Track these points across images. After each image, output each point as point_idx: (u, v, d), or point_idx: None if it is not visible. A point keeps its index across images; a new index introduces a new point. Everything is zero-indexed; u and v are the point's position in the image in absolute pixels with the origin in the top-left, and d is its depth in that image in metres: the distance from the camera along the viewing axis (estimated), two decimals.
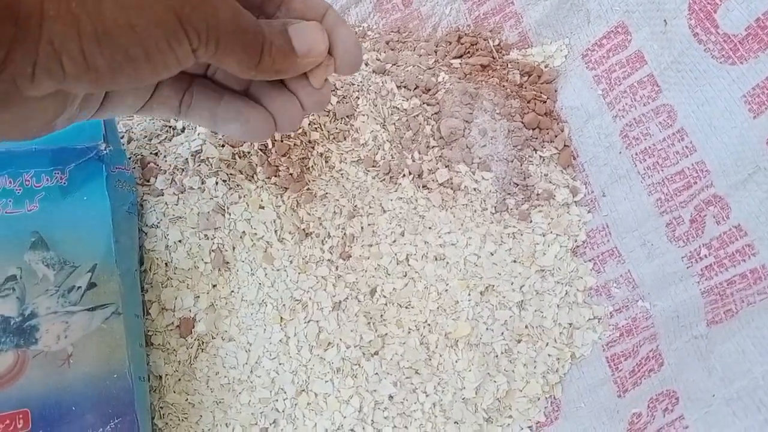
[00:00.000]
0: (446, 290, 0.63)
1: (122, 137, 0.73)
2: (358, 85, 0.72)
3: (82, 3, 0.33)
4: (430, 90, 0.71)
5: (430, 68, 0.73)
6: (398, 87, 0.72)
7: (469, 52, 0.75)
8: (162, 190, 0.67)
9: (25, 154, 0.61)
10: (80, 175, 0.62)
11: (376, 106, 0.71)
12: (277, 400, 0.61)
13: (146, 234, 0.66)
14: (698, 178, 0.61)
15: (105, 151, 0.62)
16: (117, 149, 0.65)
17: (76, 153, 0.61)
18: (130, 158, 0.71)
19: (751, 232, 0.56)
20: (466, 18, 0.78)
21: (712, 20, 0.62)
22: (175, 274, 0.65)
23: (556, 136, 0.70)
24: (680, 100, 0.64)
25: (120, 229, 0.62)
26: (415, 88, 0.71)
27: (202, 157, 0.68)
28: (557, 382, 0.62)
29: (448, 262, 0.64)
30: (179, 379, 0.62)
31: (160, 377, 0.62)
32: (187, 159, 0.68)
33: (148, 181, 0.68)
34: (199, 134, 0.69)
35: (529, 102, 0.71)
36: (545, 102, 0.71)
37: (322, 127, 0.70)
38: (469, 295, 0.62)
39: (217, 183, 0.67)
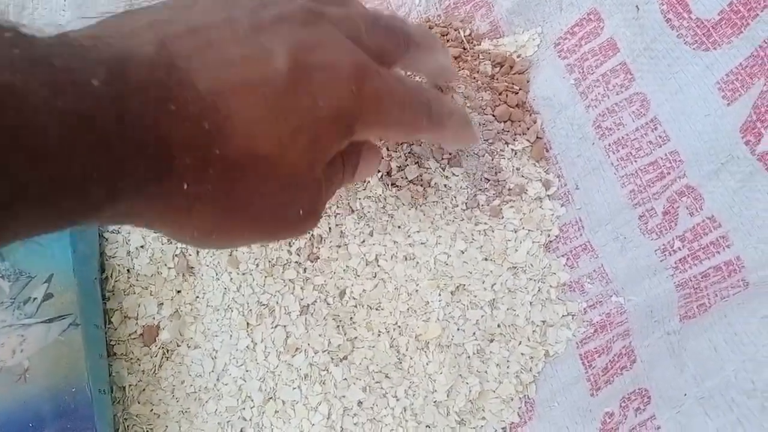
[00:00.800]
0: (416, 291, 0.61)
1: None
2: None
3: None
4: None
5: None
6: None
7: None
8: None
9: None
10: None
11: None
12: (244, 409, 0.59)
13: (107, 240, 0.64)
14: (672, 169, 0.59)
15: None
16: None
17: None
18: None
19: (725, 222, 0.55)
20: (436, 8, 0.76)
21: (684, 5, 0.60)
22: (137, 280, 0.63)
23: (528, 128, 0.68)
24: (653, 88, 0.62)
25: (78, 237, 0.60)
26: None
27: None
28: (531, 381, 0.60)
29: (418, 262, 0.62)
30: (143, 390, 0.61)
31: (124, 388, 0.61)
32: None
33: None
34: None
35: (500, 94, 0.69)
36: (517, 93, 0.69)
37: None
38: (440, 295, 0.60)
39: None
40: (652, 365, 0.53)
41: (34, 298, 0.57)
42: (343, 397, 0.58)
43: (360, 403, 0.58)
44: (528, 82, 0.71)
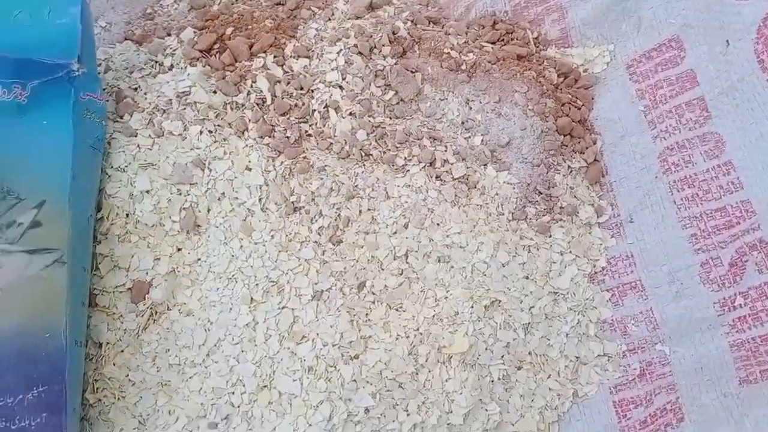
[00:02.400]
0: (446, 298, 0.55)
1: (99, 65, 0.64)
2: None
3: None
4: (453, 71, 0.63)
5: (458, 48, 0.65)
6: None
7: (503, 39, 0.68)
8: (136, 130, 0.58)
9: None
10: (44, 94, 0.52)
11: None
12: (233, 393, 0.52)
13: (109, 176, 0.56)
14: (742, 219, 0.55)
15: (77, 73, 0.53)
16: (91, 73, 0.56)
17: (44, 68, 0.52)
18: (105, 89, 0.61)
19: None
20: (504, 3, 0.70)
21: None
22: (135, 228, 0.55)
23: (587, 148, 0.63)
24: (731, 131, 0.58)
25: (80, 165, 0.52)
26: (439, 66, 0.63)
27: (188, 101, 0.59)
28: (555, 420, 0.54)
29: (452, 266, 0.56)
30: (122, 351, 0.53)
31: (100, 345, 0.53)
32: (170, 100, 0.59)
33: (122, 117, 0.59)
34: (189, 75, 0.60)
35: (563, 105, 0.63)
36: (580, 108, 0.64)
37: (340, 88, 0.61)
38: (472, 307, 0.54)
39: (201, 132, 0.58)
40: (705, 427, 0.48)
41: (20, 223, 0.49)
42: (349, 400, 0.52)
43: (367, 410, 0.52)
44: (592, 99, 0.66)
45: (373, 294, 0.56)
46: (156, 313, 0.54)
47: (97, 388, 0.52)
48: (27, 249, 0.48)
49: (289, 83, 0.61)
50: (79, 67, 0.53)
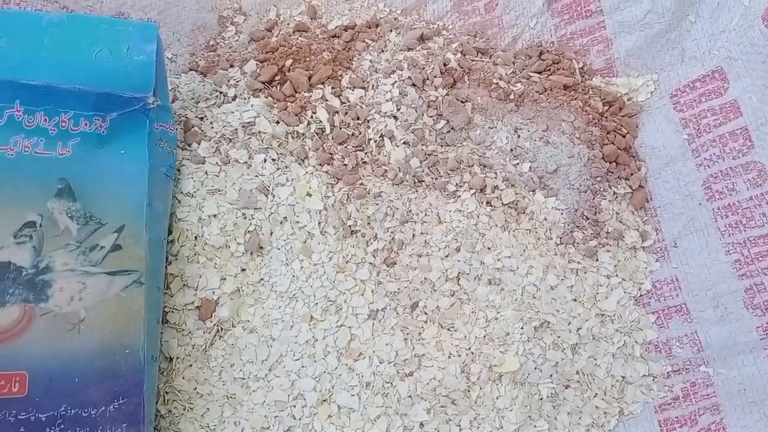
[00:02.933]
0: (497, 318, 0.57)
1: None
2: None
3: None
4: (502, 100, 0.66)
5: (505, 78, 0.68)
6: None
7: (549, 69, 0.70)
8: (204, 157, 0.62)
9: (67, 92, 0.54)
10: (122, 125, 0.56)
11: None
12: (294, 406, 0.55)
13: (179, 201, 0.60)
14: None
15: (152, 105, 0.57)
16: (164, 105, 0.59)
17: (122, 101, 0.55)
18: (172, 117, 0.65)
19: None
20: (550, 34, 0.73)
21: None
22: (203, 249, 0.59)
23: (632, 174, 0.65)
24: None
25: (155, 191, 0.56)
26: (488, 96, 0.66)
27: (253, 130, 0.63)
28: None
29: (503, 289, 0.58)
30: (190, 365, 0.57)
31: (170, 359, 0.57)
32: (236, 129, 0.63)
33: (190, 145, 0.63)
34: (252, 105, 0.64)
35: (608, 133, 0.66)
36: (625, 136, 0.66)
37: (395, 118, 0.64)
38: (522, 328, 0.57)
39: (265, 160, 0.62)
40: None
41: (102, 247, 0.52)
42: (405, 415, 0.55)
43: (422, 425, 0.54)
44: (637, 127, 0.68)
45: (426, 314, 0.58)
46: (222, 329, 0.58)
47: (167, 400, 0.56)
48: (108, 271, 0.52)
49: (346, 113, 0.65)
50: (153, 100, 0.56)
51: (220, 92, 0.67)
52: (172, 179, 0.59)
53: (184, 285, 0.58)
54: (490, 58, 0.72)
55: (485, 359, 0.56)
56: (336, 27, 0.74)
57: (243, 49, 0.73)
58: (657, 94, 0.69)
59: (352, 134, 0.64)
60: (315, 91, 0.65)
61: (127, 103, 0.56)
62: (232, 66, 0.70)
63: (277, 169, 0.62)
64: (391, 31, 0.73)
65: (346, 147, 0.63)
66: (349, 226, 0.61)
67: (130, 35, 0.56)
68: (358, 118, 0.65)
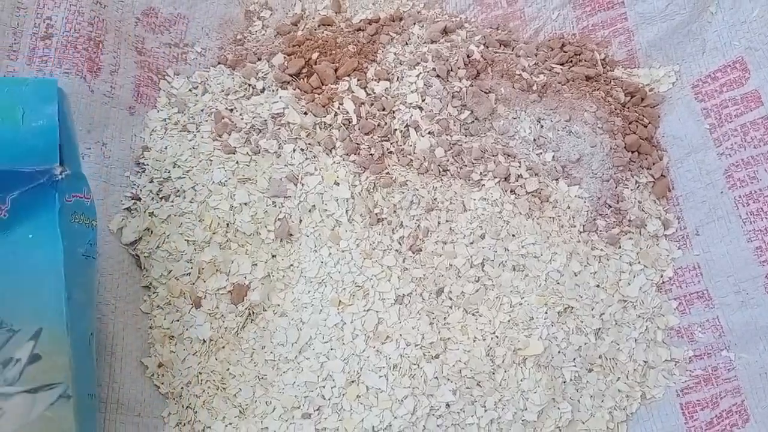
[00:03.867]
0: (521, 304, 0.59)
1: (196, 88, 0.70)
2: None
3: None
4: (525, 91, 0.68)
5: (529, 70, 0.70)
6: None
7: (571, 61, 0.71)
8: (235, 147, 0.63)
9: None
10: (26, 205, 0.46)
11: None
12: (324, 387, 0.57)
13: (211, 191, 0.62)
14: None
15: (60, 176, 0.46)
16: (76, 172, 0.49)
17: (23, 177, 0.45)
18: (203, 109, 0.67)
19: None
20: (572, 26, 0.74)
21: None
22: (235, 237, 0.61)
23: (654, 164, 0.66)
24: None
25: (74, 279, 0.47)
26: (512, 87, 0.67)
27: (282, 121, 0.64)
28: (623, 420, 0.57)
29: (527, 275, 0.59)
30: (223, 347, 0.59)
31: (204, 341, 0.58)
32: (266, 120, 0.65)
33: (220, 136, 0.65)
34: (281, 97, 0.66)
35: (630, 123, 0.67)
36: (647, 126, 0.67)
37: (420, 108, 0.66)
38: (546, 313, 0.58)
39: (294, 150, 0.63)
40: None
41: (17, 360, 0.43)
42: (431, 395, 0.56)
43: (448, 405, 0.56)
44: (659, 117, 0.69)
45: (451, 299, 0.60)
46: (253, 313, 0.60)
47: (201, 380, 0.57)
48: (28, 388, 0.43)
49: (372, 105, 0.66)
50: (61, 170, 0.47)
51: (249, 85, 0.69)
52: (93, 259, 0.51)
53: (216, 270, 0.60)
54: (512, 50, 0.73)
55: (510, 343, 0.58)
56: (360, 21, 0.76)
57: (270, 43, 0.74)
58: (678, 84, 0.69)
59: (378, 125, 0.66)
60: (341, 83, 0.67)
61: (30, 178, 0.46)
62: (259, 59, 0.72)
63: (306, 158, 0.63)
64: (414, 24, 0.74)
65: (372, 137, 0.65)
66: (376, 214, 0.62)
67: (24, 97, 0.46)
68: (383, 109, 0.66)
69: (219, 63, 0.73)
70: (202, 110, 0.68)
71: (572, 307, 0.59)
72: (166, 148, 0.66)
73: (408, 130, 0.65)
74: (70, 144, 0.49)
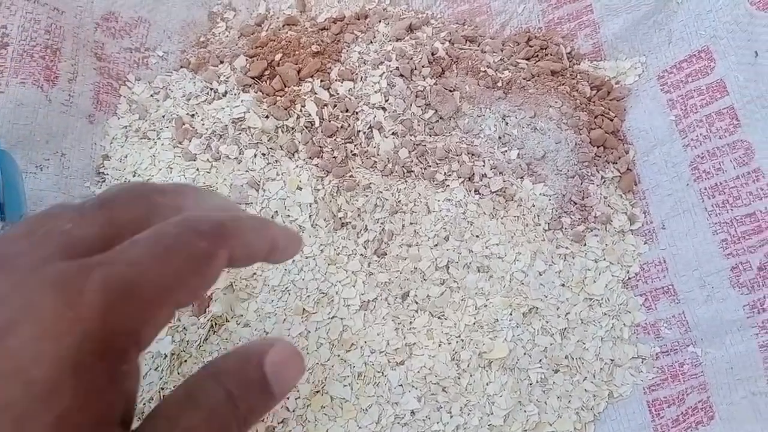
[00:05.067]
0: (486, 306, 0.58)
1: (158, 93, 0.69)
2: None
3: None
4: (490, 88, 0.67)
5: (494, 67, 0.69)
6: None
7: (537, 55, 0.70)
8: (195, 154, 0.63)
9: None
10: None
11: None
12: (288, 398, 0.56)
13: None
14: None
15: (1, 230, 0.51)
16: (18, 220, 0.53)
17: None
18: (164, 115, 0.66)
19: None
20: (538, 20, 0.73)
21: None
22: None
23: (619, 158, 0.65)
24: (760, 139, 0.60)
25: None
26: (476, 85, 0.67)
27: (243, 126, 0.64)
28: (591, 420, 0.57)
29: (492, 276, 0.59)
30: (185, 360, 0.58)
31: (166, 356, 0.58)
32: (226, 125, 0.64)
33: (181, 143, 0.64)
34: (242, 101, 0.65)
35: (596, 117, 0.66)
36: (612, 120, 0.67)
37: (383, 109, 0.65)
38: (511, 314, 0.57)
39: (255, 155, 0.63)
40: (734, 424, 0.50)
41: None
42: (396, 403, 0.56)
43: (413, 412, 0.56)
44: (625, 110, 0.68)
45: (417, 303, 0.59)
46: (216, 324, 0.59)
47: (164, 396, 0.57)
48: None
49: (335, 106, 0.65)
50: (2, 225, 0.51)
51: (211, 89, 0.68)
52: None
53: None
54: (478, 45, 0.72)
55: (475, 346, 0.57)
56: (325, 19, 0.75)
57: (233, 45, 0.73)
58: (645, 76, 0.69)
59: (341, 126, 0.65)
60: (304, 85, 0.66)
61: None
62: (222, 62, 0.71)
63: (268, 163, 0.63)
64: (380, 21, 0.73)
65: (335, 139, 0.64)
66: (340, 218, 0.61)
67: None
68: (347, 111, 0.65)
69: (181, 67, 0.72)
70: (163, 116, 0.67)
71: (537, 308, 0.58)
72: (126, 156, 0.65)
73: (371, 131, 0.64)
74: (13, 193, 0.52)
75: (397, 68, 0.66)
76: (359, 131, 0.65)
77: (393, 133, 0.64)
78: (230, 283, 0.60)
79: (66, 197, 0.63)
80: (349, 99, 0.66)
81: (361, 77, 0.67)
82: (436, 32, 0.73)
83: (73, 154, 0.65)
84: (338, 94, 0.66)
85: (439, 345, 0.57)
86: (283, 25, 0.75)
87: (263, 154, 0.63)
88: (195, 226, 0.29)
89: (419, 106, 0.65)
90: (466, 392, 0.56)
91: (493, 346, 0.57)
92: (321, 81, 0.67)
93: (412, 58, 0.67)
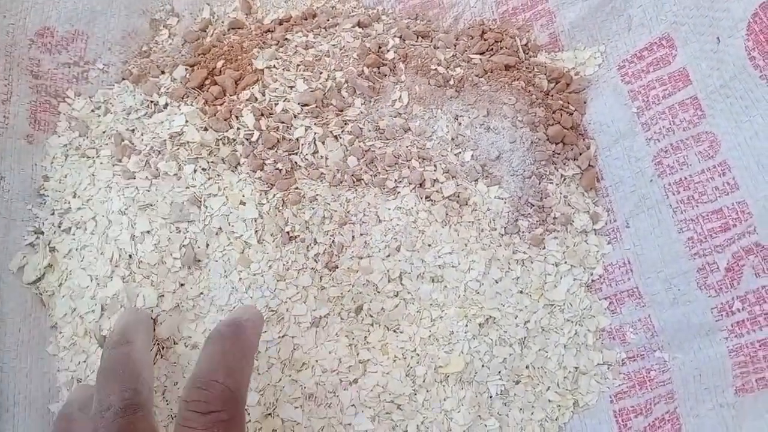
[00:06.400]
0: (441, 317, 0.56)
1: (99, 108, 0.66)
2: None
3: None
4: (441, 87, 0.64)
5: (445, 63, 0.66)
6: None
7: (492, 49, 0.67)
8: (134, 172, 0.60)
9: None
10: None
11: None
12: None
13: (111, 221, 0.58)
14: (738, 221, 0.54)
15: None
16: None
17: None
18: (104, 131, 0.64)
19: None
20: (492, 11, 0.70)
21: None
22: (138, 268, 0.57)
23: (580, 154, 0.62)
24: (726, 130, 0.57)
25: None
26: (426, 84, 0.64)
27: (182, 140, 0.61)
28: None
29: (446, 286, 0.56)
30: None
31: None
32: (165, 140, 0.61)
33: (120, 160, 0.61)
34: (182, 113, 0.62)
35: (554, 112, 0.63)
36: (572, 114, 0.64)
37: (321, 118, 0.62)
38: (467, 326, 0.55)
39: (195, 171, 0.60)
40: None
41: None
42: (349, 425, 0.53)
43: None
44: (585, 103, 0.65)
45: (371, 317, 0.57)
46: (163, 348, 0.56)
47: None
48: None
49: (272, 115, 0.62)
50: None
51: (151, 101, 0.65)
52: None
53: (121, 306, 0.57)
54: (431, 41, 0.69)
55: (431, 360, 0.55)
56: (271, 21, 0.72)
57: (177, 53, 0.70)
58: (605, 66, 0.66)
59: (283, 138, 0.62)
60: (242, 94, 0.63)
61: None
62: (163, 72, 0.68)
63: (209, 178, 0.60)
64: (328, 20, 0.70)
65: (276, 151, 0.61)
66: (287, 232, 0.59)
67: None
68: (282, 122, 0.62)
69: (123, 78, 0.69)
70: (103, 132, 0.64)
71: (494, 317, 0.56)
72: (65, 176, 0.62)
73: (315, 141, 0.61)
74: None
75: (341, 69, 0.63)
76: (301, 141, 0.61)
77: (339, 141, 0.61)
78: (177, 304, 0.57)
79: (7, 221, 0.60)
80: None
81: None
82: (388, 28, 0.70)
83: (13, 177, 0.62)
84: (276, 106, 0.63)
85: (394, 360, 0.55)
86: (229, 29, 0.72)
87: (203, 169, 0.60)
88: None
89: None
90: (423, 409, 0.54)
91: (449, 359, 0.54)
92: (262, 87, 0.64)
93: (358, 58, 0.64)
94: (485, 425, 0.54)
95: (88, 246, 0.59)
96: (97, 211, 0.59)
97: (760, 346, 0.50)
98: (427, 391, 0.54)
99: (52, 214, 0.61)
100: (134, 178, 0.60)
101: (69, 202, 0.61)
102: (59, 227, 0.61)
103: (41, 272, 0.59)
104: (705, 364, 0.52)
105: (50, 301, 0.59)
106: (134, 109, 0.64)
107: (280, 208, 0.59)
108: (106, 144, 0.63)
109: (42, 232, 0.61)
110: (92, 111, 0.66)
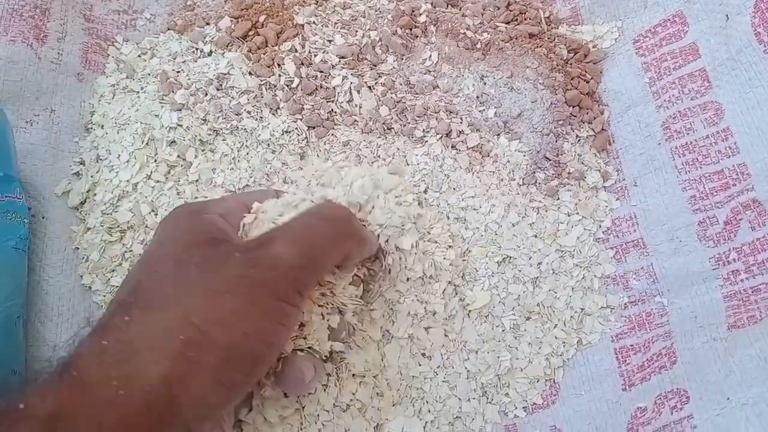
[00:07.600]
0: (466, 254, 0.60)
1: (145, 53, 0.71)
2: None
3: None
4: (469, 50, 0.68)
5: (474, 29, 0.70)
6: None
7: (516, 19, 0.72)
8: (181, 104, 0.64)
9: None
10: None
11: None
12: None
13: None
14: (738, 181, 0.59)
15: None
16: (7, 175, 0.57)
17: None
18: (150, 73, 0.68)
19: None
20: None
21: None
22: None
23: (594, 118, 0.67)
24: (730, 99, 0.62)
25: (3, 267, 0.53)
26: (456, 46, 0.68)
27: (228, 85, 0.65)
28: (560, 366, 0.59)
29: (468, 227, 0.61)
30: None
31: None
32: (211, 80, 0.65)
33: (166, 95, 0.65)
34: (227, 59, 0.66)
35: (573, 79, 0.68)
36: (588, 82, 0.68)
37: (356, 69, 0.67)
38: (487, 264, 0.59)
39: (240, 114, 0.64)
40: (694, 368, 0.52)
41: None
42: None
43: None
44: (601, 72, 0.70)
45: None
46: None
47: None
48: None
49: (311, 65, 0.67)
50: None
51: (197, 48, 0.70)
52: (24, 252, 0.57)
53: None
54: (459, 9, 0.74)
55: (461, 292, 0.59)
56: None
57: (219, 8, 0.75)
58: (621, 40, 0.70)
59: (321, 86, 0.66)
60: (283, 45, 0.68)
61: None
62: (208, 24, 0.72)
63: (254, 118, 0.64)
64: None
65: (315, 97, 0.66)
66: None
67: None
68: (321, 71, 0.67)
69: (168, 29, 0.74)
70: (149, 74, 0.69)
71: (510, 257, 0.60)
72: (111, 111, 0.67)
73: (351, 90, 0.66)
74: (4, 150, 0.57)
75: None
76: (336, 87, 0.66)
77: (373, 92, 0.66)
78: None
79: (55, 151, 0.64)
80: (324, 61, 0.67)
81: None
82: None
83: (62, 111, 0.66)
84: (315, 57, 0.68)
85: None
86: None
87: (248, 112, 0.64)
88: None
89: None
90: (447, 339, 0.58)
91: (474, 296, 0.58)
92: (302, 39, 0.68)
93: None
94: (498, 356, 0.58)
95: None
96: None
97: (752, 292, 0.55)
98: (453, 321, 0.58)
99: (95, 147, 0.65)
100: (180, 110, 0.64)
101: (107, 132, 0.65)
102: (97, 160, 0.65)
103: (83, 197, 0.63)
104: (701, 308, 0.57)
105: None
106: (180, 54, 0.69)
107: (318, 152, 0.64)
108: (152, 82, 0.67)
109: (83, 163, 0.65)
110: (139, 56, 0.71)
